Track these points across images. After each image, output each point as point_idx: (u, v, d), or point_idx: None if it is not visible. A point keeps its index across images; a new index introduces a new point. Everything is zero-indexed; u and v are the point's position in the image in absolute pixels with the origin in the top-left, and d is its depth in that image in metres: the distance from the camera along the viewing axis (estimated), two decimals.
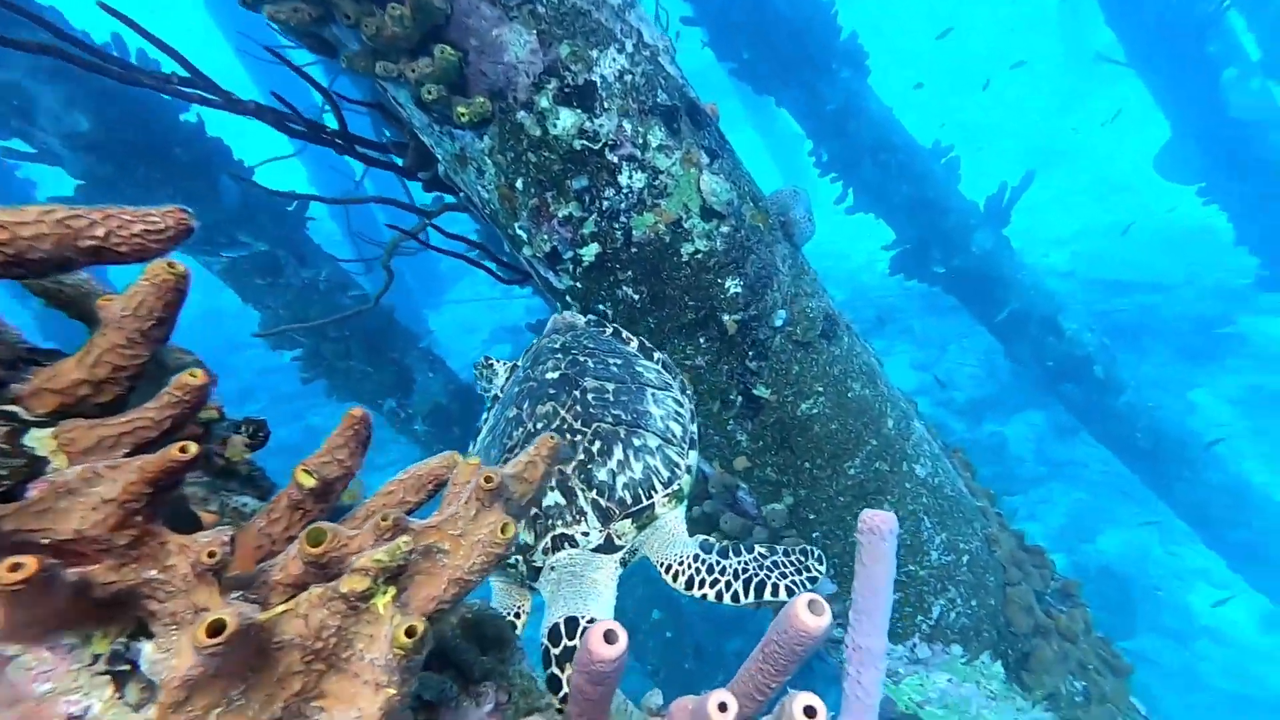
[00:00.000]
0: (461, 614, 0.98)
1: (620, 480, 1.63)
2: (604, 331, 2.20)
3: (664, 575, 1.59)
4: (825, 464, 2.40)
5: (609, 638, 0.78)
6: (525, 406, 1.82)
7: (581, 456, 1.66)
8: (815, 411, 2.39)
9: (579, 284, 2.35)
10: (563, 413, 1.74)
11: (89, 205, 0.77)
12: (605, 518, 1.59)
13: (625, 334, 2.20)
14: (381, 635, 0.66)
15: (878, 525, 1.34)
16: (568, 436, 1.69)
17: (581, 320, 2.26)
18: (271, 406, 14.43)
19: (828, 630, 0.85)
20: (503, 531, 0.77)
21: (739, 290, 2.31)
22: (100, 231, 0.74)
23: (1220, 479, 8.35)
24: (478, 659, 0.92)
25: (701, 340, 2.39)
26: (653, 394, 1.89)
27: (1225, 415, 11.55)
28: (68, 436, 0.76)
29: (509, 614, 1.62)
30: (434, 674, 0.88)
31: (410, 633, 0.62)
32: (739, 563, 1.55)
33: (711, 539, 1.63)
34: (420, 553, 0.76)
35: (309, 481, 0.81)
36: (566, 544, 1.56)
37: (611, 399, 1.79)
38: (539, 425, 1.73)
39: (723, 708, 0.80)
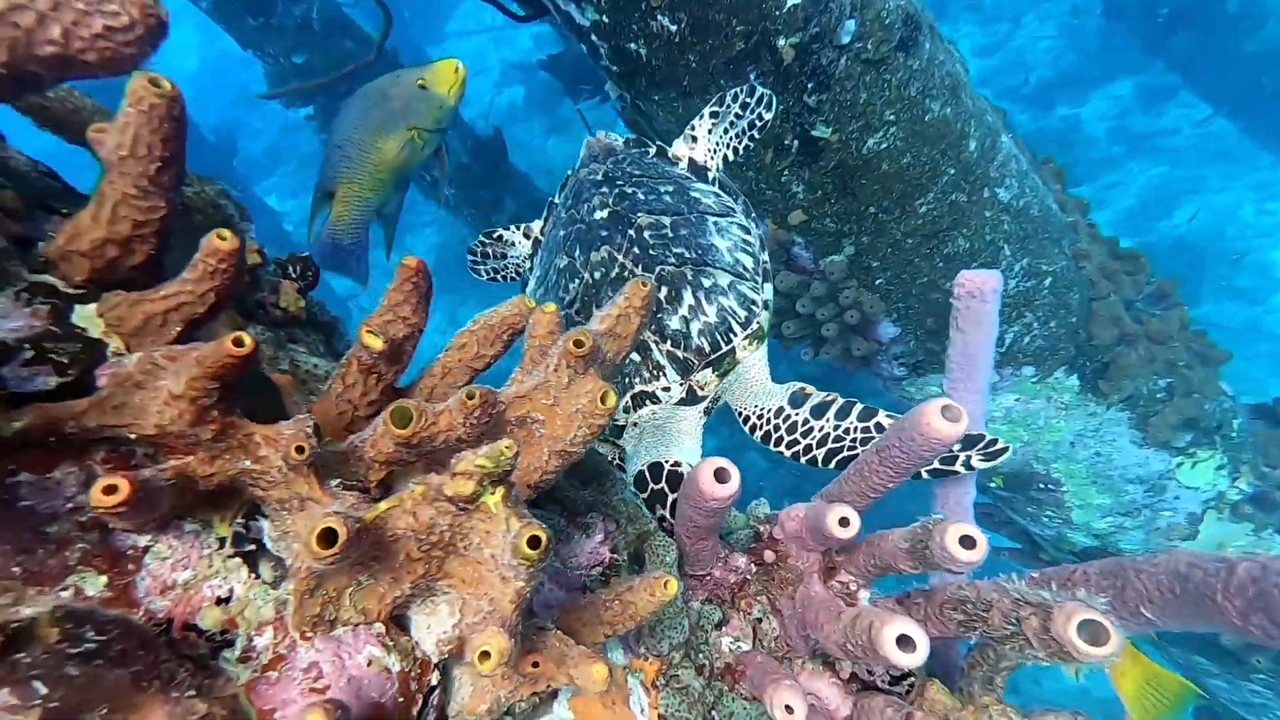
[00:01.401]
0: None
1: (695, 327, 1.48)
2: (647, 153, 1.88)
3: (743, 425, 1.51)
4: (893, 205, 2.18)
5: (720, 476, 0.77)
6: (577, 254, 1.64)
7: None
8: (884, 146, 2.10)
9: (605, 17, 1.97)
10: (620, 258, 1.56)
11: None
12: (684, 369, 1.47)
13: (670, 153, 1.87)
14: (497, 532, 0.65)
15: (978, 287, 1.22)
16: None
17: (619, 142, 1.92)
18: (300, 171, 13.97)
19: (959, 437, 0.79)
20: (603, 401, 0.72)
21: (797, 0, 1.88)
22: (55, 32, 0.61)
23: None
24: (579, 493, 0.95)
25: (752, 76, 2.04)
26: (714, 223, 1.64)
27: None
28: (114, 315, 0.72)
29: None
30: (540, 510, 0.91)
31: (534, 543, 0.60)
32: (830, 427, 1.37)
33: (806, 389, 1.47)
34: (515, 423, 0.73)
35: (376, 344, 0.75)
36: (648, 401, 1.47)
37: (670, 235, 1.58)
38: (596, 275, 1.57)
39: (844, 523, 0.80)
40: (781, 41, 1.92)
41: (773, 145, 2.19)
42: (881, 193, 2.20)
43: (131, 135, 0.66)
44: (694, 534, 0.86)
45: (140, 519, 0.66)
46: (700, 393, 1.48)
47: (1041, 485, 2.36)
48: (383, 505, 0.67)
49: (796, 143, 2.17)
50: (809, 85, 2.02)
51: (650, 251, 1.55)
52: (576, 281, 1.60)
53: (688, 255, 1.55)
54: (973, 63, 12.07)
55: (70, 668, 0.52)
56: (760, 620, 0.92)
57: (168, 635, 0.67)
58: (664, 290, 1.50)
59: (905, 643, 0.66)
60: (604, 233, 1.61)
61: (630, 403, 1.49)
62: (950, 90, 2.09)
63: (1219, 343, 2.26)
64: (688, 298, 1.50)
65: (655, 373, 1.48)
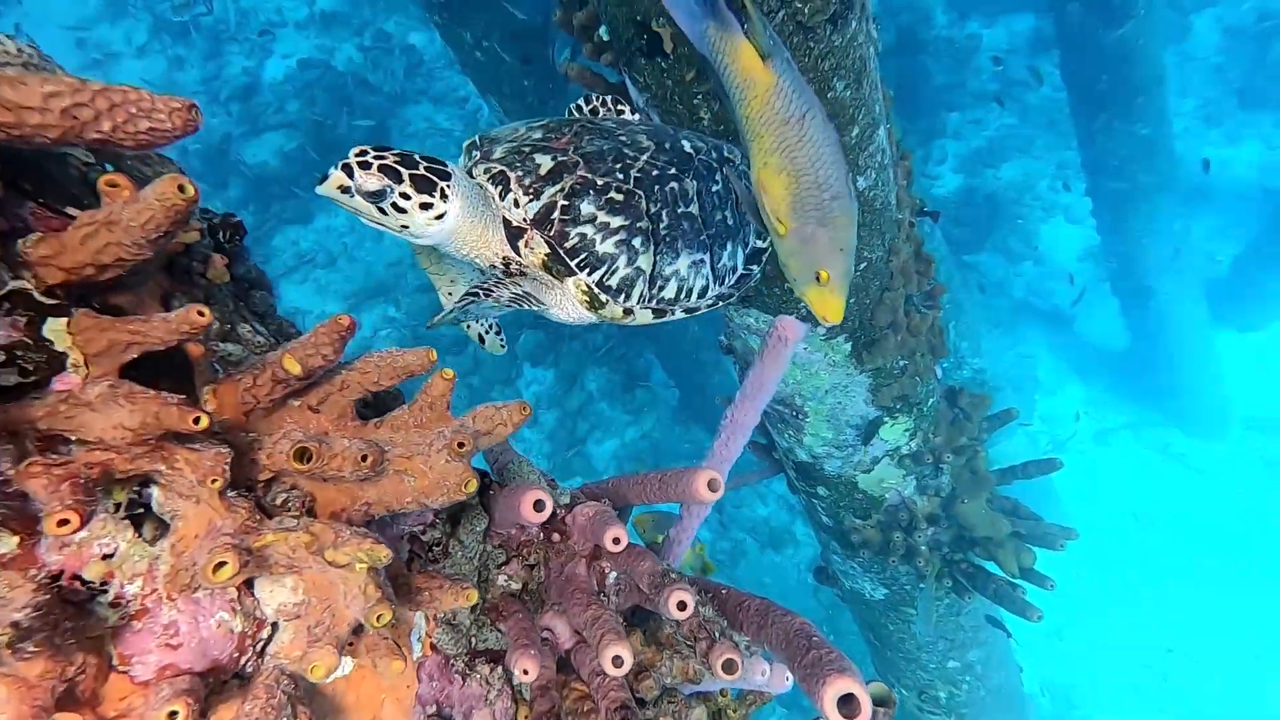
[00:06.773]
0: None
1: (587, 230, 1.36)
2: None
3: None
4: None
5: (539, 506, 1.01)
6: (619, 130, 1.53)
7: (599, 182, 1.37)
8: None
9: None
10: (642, 159, 1.44)
11: None
12: (542, 222, 1.34)
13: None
14: (355, 586, 0.85)
15: (787, 335, 1.50)
16: (614, 177, 1.40)
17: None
18: None
19: (715, 500, 1.10)
20: (466, 486, 0.95)
21: None
22: (106, 127, 0.74)
23: (1145, 133, 8.35)
24: None
25: None
26: (708, 260, 1.52)
27: (1210, 46, 10.93)
28: (83, 337, 0.81)
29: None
30: None
31: (381, 619, 0.84)
32: None
33: None
34: (393, 472, 0.94)
35: (295, 369, 0.88)
36: (499, 185, 1.36)
37: (678, 216, 1.45)
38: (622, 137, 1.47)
39: (616, 541, 1.06)
40: None
41: (697, 65, 2.15)
42: None
43: (147, 217, 0.76)
44: (505, 520, 1.13)
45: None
46: (521, 247, 1.37)
47: (794, 413, 2.98)
48: (270, 537, 0.82)
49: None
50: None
51: (653, 190, 1.44)
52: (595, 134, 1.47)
53: (659, 231, 1.43)
54: None
55: None
56: (534, 567, 1.21)
57: (58, 585, 0.78)
58: (618, 197, 1.40)
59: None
60: (652, 144, 1.52)
61: (484, 174, 1.39)
62: (856, 75, 2.19)
63: (948, 338, 2.90)
64: (616, 223, 1.39)
65: (529, 191, 1.36)
